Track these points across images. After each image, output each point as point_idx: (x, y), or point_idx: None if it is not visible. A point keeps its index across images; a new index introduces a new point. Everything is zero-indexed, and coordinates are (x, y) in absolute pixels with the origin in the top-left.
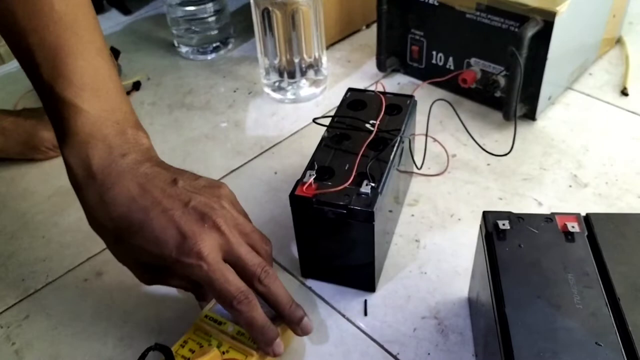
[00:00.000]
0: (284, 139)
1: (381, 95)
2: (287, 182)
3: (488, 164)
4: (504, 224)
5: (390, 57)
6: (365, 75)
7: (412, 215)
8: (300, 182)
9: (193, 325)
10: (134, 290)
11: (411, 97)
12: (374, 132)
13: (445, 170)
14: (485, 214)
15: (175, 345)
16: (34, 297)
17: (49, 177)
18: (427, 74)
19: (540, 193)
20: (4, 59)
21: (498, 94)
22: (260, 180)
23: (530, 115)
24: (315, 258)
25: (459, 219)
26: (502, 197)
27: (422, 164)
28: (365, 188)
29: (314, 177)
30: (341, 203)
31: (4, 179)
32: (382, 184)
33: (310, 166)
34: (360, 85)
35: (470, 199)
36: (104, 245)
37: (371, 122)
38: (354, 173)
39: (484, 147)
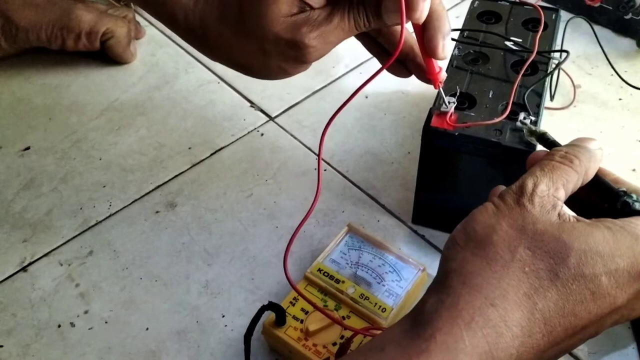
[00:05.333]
0: (371, 57)
1: (538, 7)
2: (380, 108)
3: (620, 99)
4: None
5: None
6: None
7: None
8: (435, 110)
9: (304, 279)
10: (215, 226)
11: (556, 10)
12: (533, 53)
13: (571, 103)
14: None
15: (284, 301)
16: (96, 230)
17: (100, 88)
18: None
19: None
20: None
21: (629, 15)
22: (349, 104)
23: None
24: (435, 202)
25: None
26: None
27: (554, 95)
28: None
29: (454, 105)
30: (493, 140)
31: (47, 88)
32: (539, 118)
33: (448, 91)
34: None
35: (605, 139)
36: (174, 172)
37: (513, 39)
38: (510, 103)
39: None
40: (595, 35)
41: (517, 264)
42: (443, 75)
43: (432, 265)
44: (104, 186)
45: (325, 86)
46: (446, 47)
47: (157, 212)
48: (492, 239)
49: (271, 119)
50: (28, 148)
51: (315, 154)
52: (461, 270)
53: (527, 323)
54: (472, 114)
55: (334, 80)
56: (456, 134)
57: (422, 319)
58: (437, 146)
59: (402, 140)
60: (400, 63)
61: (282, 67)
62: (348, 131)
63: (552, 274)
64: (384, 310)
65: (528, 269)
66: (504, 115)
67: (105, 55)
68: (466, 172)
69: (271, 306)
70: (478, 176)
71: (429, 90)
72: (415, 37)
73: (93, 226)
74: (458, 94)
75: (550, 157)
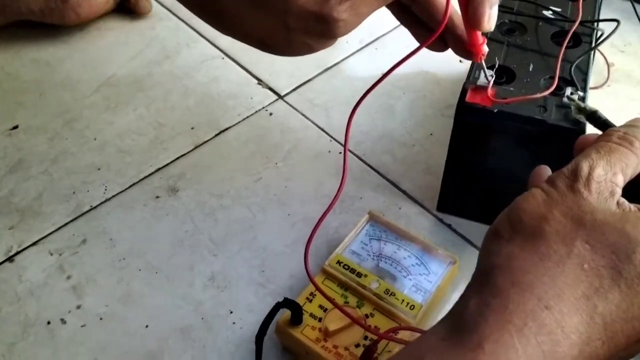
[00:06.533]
0: (388, 32)
1: None
2: (398, 86)
3: None
4: None
5: None
6: None
7: None
8: (470, 85)
9: (321, 272)
10: (221, 212)
11: None
12: (576, 23)
13: (605, 82)
14: None
15: (300, 297)
16: (90, 216)
17: (95, 63)
18: None
19: None
20: None
21: None
22: (364, 82)
23: None
24: (465, 188)
25: None
26: None
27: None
28: (568, 98)
29: (493, 79)
30: (537, 117)
31: (38, 63)
32: (586, 94)
33: (485, 63)
34: None
35: None
36: (176, 154)
37: (551, 8)
38: (556, 77)
39: None
40: (634, 10)
41: (574, 259)
42: (485, 48)
43: (460, 257)
44: (99, 169)
45: (337, 63)
46: (492, 18)
47: (157, 197)
48: (544, 230)
49: (280, 97)
50: (16, 127)
51: (328, 134)
52: (507, 267)
53: (585, 329)
54: (512, 88)
55: (347, 57)
56: (495, 110)
57: (464, 324)
58: (473, 124)
59: (423, 121)
60: (438, 36)
61: (306, 42)
62: (365, 111)
63: (614, 272)
64: (412, 307)
65: (587, 265)
66: (550, 90)
67: (101, 27)
68: (503, 153)
69: (287, 303)
70: (516, 158)
71: (451, 66)
72: (454, 6)
73: (87, 212)
74: (497, 66)
75: (606, 138)
